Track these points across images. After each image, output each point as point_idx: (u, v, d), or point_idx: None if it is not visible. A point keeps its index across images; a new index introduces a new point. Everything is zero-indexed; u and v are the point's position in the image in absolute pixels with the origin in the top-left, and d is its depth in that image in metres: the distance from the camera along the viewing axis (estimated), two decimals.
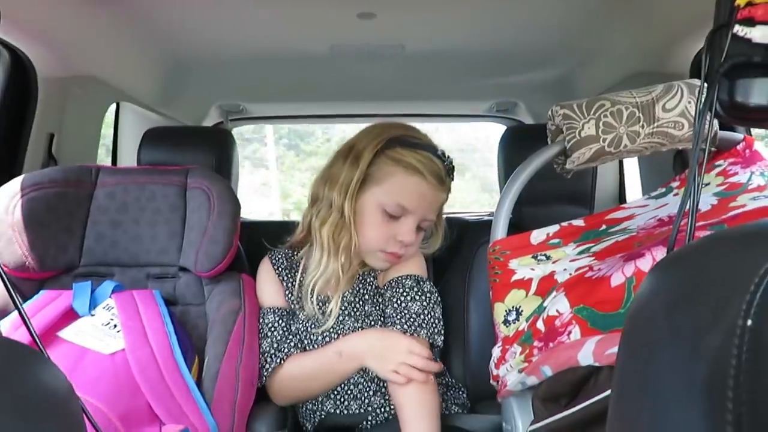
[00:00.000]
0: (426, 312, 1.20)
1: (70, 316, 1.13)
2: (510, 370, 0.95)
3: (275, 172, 7.42)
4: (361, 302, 1.24)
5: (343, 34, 1.64)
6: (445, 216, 2.19)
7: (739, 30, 0.57)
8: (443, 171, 1.20)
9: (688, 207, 0.58)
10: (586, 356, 0.77)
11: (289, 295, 1.26)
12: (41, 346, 0.59)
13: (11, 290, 0.55)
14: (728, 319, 0.35)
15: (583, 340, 0.79)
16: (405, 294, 1.21)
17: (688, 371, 0.35)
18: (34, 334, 0.57)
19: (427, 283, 1.25)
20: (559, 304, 0.86)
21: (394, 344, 1.14)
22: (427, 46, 1.76)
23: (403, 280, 1.23)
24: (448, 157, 1.23)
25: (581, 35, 1.66)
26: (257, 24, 1.56)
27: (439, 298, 1.25)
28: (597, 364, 0.76)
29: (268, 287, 1.27)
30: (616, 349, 0.73)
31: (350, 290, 1.25)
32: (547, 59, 1.88)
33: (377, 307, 1.24)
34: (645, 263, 0.81)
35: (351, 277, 1.23)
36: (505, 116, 2.45)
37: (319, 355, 1.19)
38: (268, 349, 1.19)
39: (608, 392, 0.73)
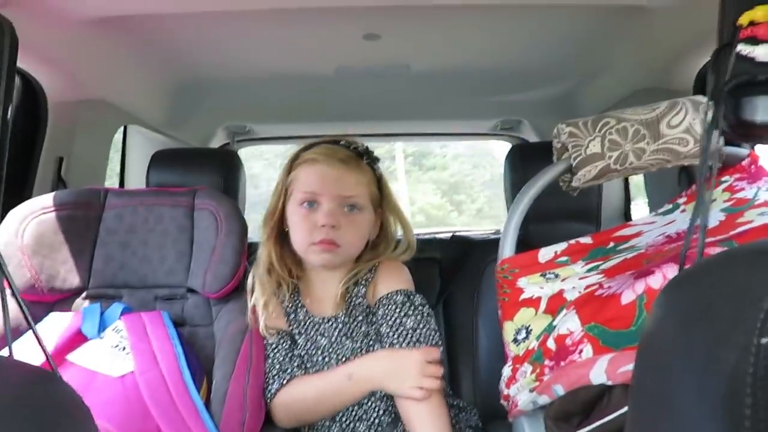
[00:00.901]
0: (421, 326, 1.19)
1: (79, 338, 1.13)
2: (521, 390, 0.95)
3: (404, 184, 8.80)
4: (355, 323, 1.24)
5: (348, 55, 1.66)
6: (450, 234, 2.21)
7: (743, 49, 0.57)
8: (345, 153, 1.24)
9: (697, 223, 0.58)
10: (598, 374, 0.76)
11: (291, 319, 1.26)
12: (54, 367, 0.59)
13: (26, 313, 0.55)
14: (743, 336, 0.35)
15: (595, 358, 0.79)
16: (398, 310, 1.20)
17: (705, 388, 0.35)
18: (48, 356, 0.57)
19: (418, 296, 1.24)
20: (570, 323, 0.86)
21: (408, 360, 1.13)
22: (431, 65, 1.77)
23: (394, 296, 1.22)
24: (355, 143, 1.29)
25: (584, 53, 1.68)
26: (263, 46, 1.58)
27: (431, 310, 1.24)
28: (610, 383, 0.76)
29: (272, 309, 1.27)
30: (628, 366, 0.73)
31: (343, 311, 1.24)
32: (551, 77, 1.89)
33: (373, 327, 1.24)
34: (655, 281, 0.81)
35: (341, 296, 1.25)
36: (510, 134, 2.46)
37: (327, 377, 1.18)
38: (271, 369, 1.19)
39: (623, 410, 0.73)
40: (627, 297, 0.82)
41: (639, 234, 1.06)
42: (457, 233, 2.42)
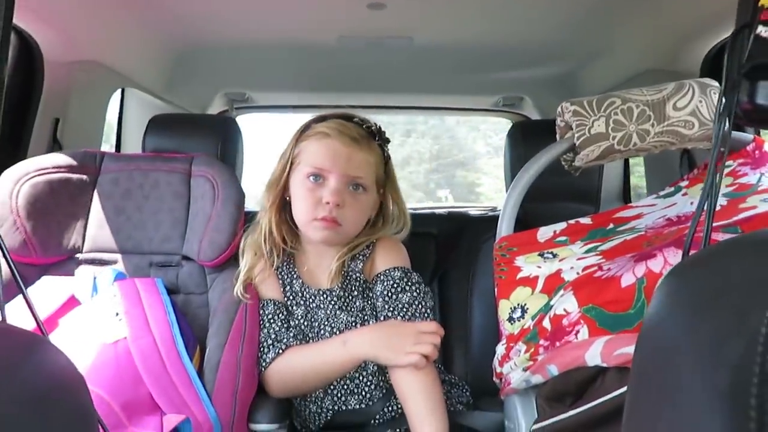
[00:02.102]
0: (417, 302, 1.19)
1: (71, 303, 1.13)
2: (514, 368, 0.95)
3: None
4: (351, 297, 1.24)
5: (351, 25, 1.63)
6: (447, 210, 2.20)
7: (763, 31, 0.56)
8: (358, 132, 1.23)
9: (703, 209, 0.57)
10: (593, 356, 0.76)
11: (286, 291, 1.26)
12: (45, 333, 0.58)
13: (16, 275, 0.54)
14: (750, 326, 0.34)
15: (591, 340, 0.79)
16: (395, 285, 1.21)
17: (710, 377, 0.35)
18: (39, 322, 0.56)
19: (415, 274, 1.25)
20: (567, 303, 0.86)
21: (403, 330, 1.13)
22: (435, 38, 1.74)
23: (391, 273, 1.23)
24: (368, 122, 1.27)
25: (590, 31, 1.65)
26: (265, 12, 1.55)
27: (427, 289, 1.24)
28: (605, 365, 0.75)
29: (267, 280, 1.27)
30: (625, 349, 0.73)
31: (338, 284, 1.24)
32: (555, 55, 1.87)
33: (369, 302, 1.24)
34: (656, 264, 0.81)
35: (336, 270, 1.24)
36: (511, 111, 2.44)
37: (322, 345, 1.19)
38: (266, 339, 1.19)
39: (616, 393, 0.73)
40: (627, 280, 0.81)
41: (639, 216, 1.06)
42: (454, 209, 2.41)
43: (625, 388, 0.72)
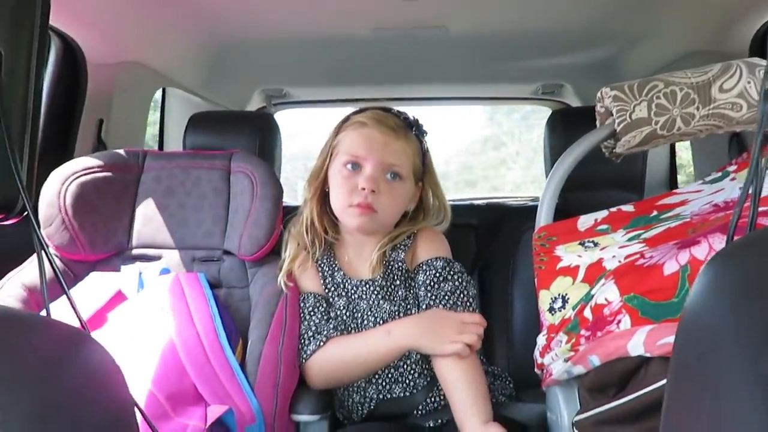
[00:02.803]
0: (459, 291, 1.20)
1: (119, 297, 1.16)
2: (555, 359, 0.94)
3: None
4: (393, 286, 1.25)
5: (386, 16, 1.62)
6: (486, 201, 2.18)
7: None
8: (395, 122, 1.25)
9: (749, 192, 0.55)
10: (636, 346, 0.74)
11: (327, 283, 1.27)
12: (86, 328, 0.60)
13: (59, 274, 0.56)
14: None
15: (633, 329, 0.77)
16: (437, 275, 1.22)
17: (755, 366, 0.33)
18: (80, 317, 0.58)
19: (457, 264, 1.25)
20: (608, 293, 0.84)
21: (447, 320, 1.13)
22: (470, 27, 1.72)
23: (434, 262, 1.24)
24: (405, 114, 1.30)
25: (631, 13, 1.60)
26: (300, 7, 1.56)
27: (470, 279, 1.25)
28: (648, 355, 0.73)
29: (307, 273, 1.28)
30: (668, 339, 0.71)
31: (381, 275, 1.25)
32: (595, 39, 1.82)
33: (411, 291, 1.25)
34: (701, 251, 0.78)
35: (378, 260, 1.26)
36: (551, 99, 2.39)
37: (365, 335, 1.20)
38: (306, 331, 1.20)
39: (660, 384, 0.71)
40: (670, 267, 0.79)
41: (684, 202, 1.03)
42: (493, 200, 2.39)
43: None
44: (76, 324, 0.92)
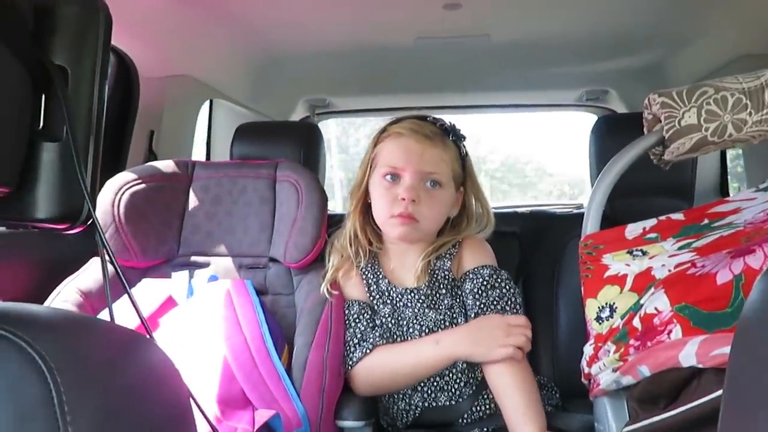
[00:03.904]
0: (506, 298, 1.20)
1: (170, 303, 1.19)
2: (603, 369, 0.92)
3: None
4: (438, 295, 1.25)
5: (428, 26, 1.63)
6: (529, 209, 2.16)
7: None
8: (431, 129, 1.25)
9: None
10: (688, 357, 0.73)
11: (372, 291, 1.28)
12: (149, 331, 0.62)
13: (122, 277, 0.58)
14: None
15: (684, 339, 0.75)
16: (484, 283, 1.21)
17: None
18: (144, 320, 0.60)
19: (504, 272, 1.25)
20: (658, 302, 0.82)
21: (494, 324, 1.13)
22: (513, 34, 1.72)
23: (480, 270, 1.24)
24: (441, 120, 1.29)
25: (678, 16, 1.57)
26: (343, 18, 1.58)
27: (516, 287, 1.24)
28: (700, 366, 0.72)
29: (352, 281, 1.29)
30: (722, 350, 0.69)
31: (426, 283, 1.26)
32: (641, 44, 1.79)
33: (457, 299, 1.25)
34: (756, 260, 0.76)
35: (423, 268, 1.26)
36: (595, 105, 2.36)
37: (414, 345, 1.20)
38: (352, 339, 1.21)
39: (713, 396, 0.69)
40: (723, 277, 0.77)
41: (737, 211, 1.00)
42: (537, 207, 2.36)
43: (721, 391, 0.69)
44: (134, 324, 0.95)
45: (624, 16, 1.59)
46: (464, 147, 1.31)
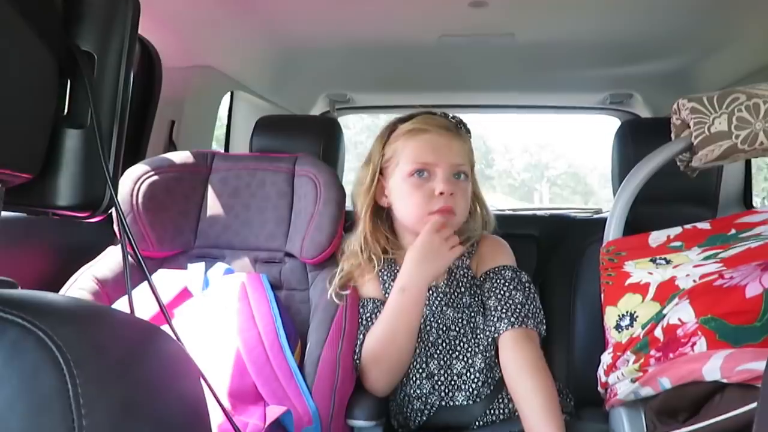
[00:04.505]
0: (529, 302, 1.19)
1: (185, 295, 1.19)
2: (621, 379, 0.91)
3: None
4: (457, 293, 1.25)
5: (452, 24, 1.62)
6: (548, 212, 2.14)
7: None
8: (448, 123, 1.25)
9: None
10: (712, 371, 0.71)
11: (386, 288, 1.27)
12: (169, 320, 0.62)
13: (144, 267, 0.58)
14: None
15: (709, 353, 0.74)
16: (506, 284, 1.21)
17: None
18: (164, 309, 0.60)
19: (524, 273, 1.25)
20: (682, 313, 0.81)
21: (428, 240, 1.16)
22: (538, 35, 1.70)
23: (502, 271, 1.23)
24: (449, 114, 1.29)
25: (709, 21, 1.54)
26: (366, 14, 1.57)
27: (536, 289, 1.24)
28: (724, 381, 0.70)
29: (368, 280, 1.28)
30: (749, 365, 0.67)
31: (444, 282, 1.25)
32: (669, 48, 1.76)
33: (476, 298, 1.25)
34: None
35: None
36: (619, 109, 2.33)
37: (387, 305, 1.19)
38: (363, 335, 1.20)
39: (737, 412, 0.67)
40: (753, 290, 0.75)
41: (766, 222, 0.98)
42: (556, 210, 2.34)
43: (747, 407, 0.67)
44: (149, 314, 0.95)
45: (652, 20, 1.56)
46: (469, 139, 1.32)
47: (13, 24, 0.43)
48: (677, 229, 1.03)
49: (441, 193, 1.18)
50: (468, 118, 1.34)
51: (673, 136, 1.04)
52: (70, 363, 0.37)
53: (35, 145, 0.48)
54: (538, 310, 1.20)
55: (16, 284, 0.47)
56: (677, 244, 1.00)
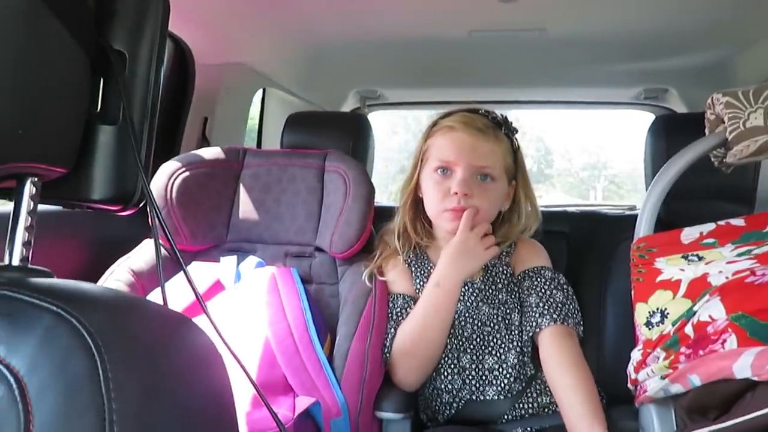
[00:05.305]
0: (569, 302, 1.20)
1: (217, 287, 1.22)
2: (651, 376, 0.90)
3: None
4: (494, 290, 1.25)
5: (483, 19, 1.61)
6: (578, 209, 2.11)
7: None
8: (483, 122, 1.24)
9: None
10: (743, 368, 0.70)
11: (418, 284, 1.27)
12: (204, 307, 0.64)
13: (180, 259, 0.60)
14: None
15: (740, 350, 0.72)
16: (547, 283, 1.22)
17: None
18: (199, 296, 0.62)
19: (561, 276, 1.26)
20: (713, 310, 0.79)
21: (465, 239, 1.18)
22: (570, 29, 1.67)
23: (541, 271, 1.24)
24: (493, 113, 1.28)
25: (747, 13, 1.50)
26: (397, 10, 1.57)
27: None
28: (755, 379, 0.69)
29: (398, 274, 1.29)
30: None
31: (480, 278, 1.26)
32: (706, 41, 1.72)
33: (512, 295, 1.25)
34: None
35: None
36: (654, 104, 2.28)
37: (420, 301, 1.21)
38: (392, 329, 1.21)
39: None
40: None
41: None
42: (586, 207, 2.31)
43: None
44: (181, 306, 0.97)
45: (689, 12, 1.53)
46: (516, 140, 1.30)
47: (49, 24, 0.45)
48: (710, 226, 1.01)
49: (455, 193, 1.19)
50: (526, 120, 1.33)
51: (707, 131, 1.02)
52: (100, 348, 0.38)
53: (70, 140, 0.50)
54: (576, 311, 1.21)
55: (51, 273, 0.49)
56: (710, 240, 0.98)
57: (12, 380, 0.37)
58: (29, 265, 0.49)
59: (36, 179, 0.49)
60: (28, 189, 0.49)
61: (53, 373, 0.37)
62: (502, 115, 1.29)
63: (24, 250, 0.49)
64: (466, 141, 1.21)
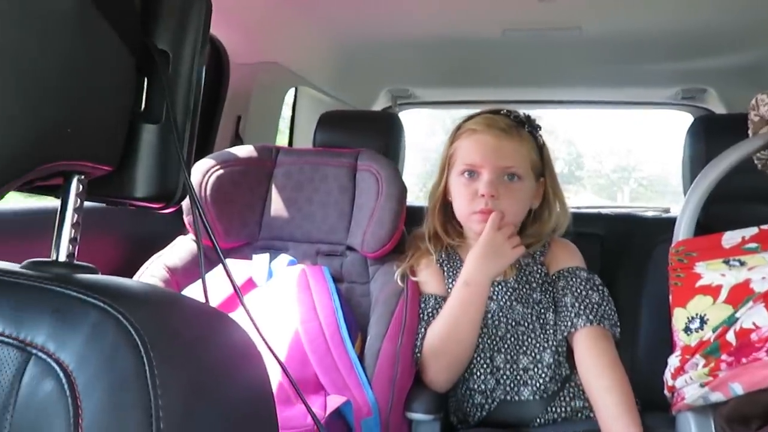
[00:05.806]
0: (605, 303, 1.20)
1: (250, 285, 1.23)
2: (690, 383, 0.88)
3: None
4: (528, 289, 1.25)
5: (517, 18, 1.59)
6: (613, 211, 2.08)
7: None
8: (505, 122, 1.25)
9: None
10: None
11: (450, 284, 1.27)
12: (244, 304, 0.64)
13: (220, 253, 0.60)
14: None
15: None
16: (582, 284, 1.21)
17: None
18: (236, 286, 0.62)
19: (597, 277, 1.25)
20: (757, 317, 0.77)
21: (492, 238, 1.17)
22: (606, 28, 1.65)
23: (577, 271, 1.24)
24: (515, 112, 1.29)
25: None
26: (429, 8, 1.57)
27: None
28: None
29: (430, 274, 1.29)
30: None
31: (514, 278, 1.26)
32: (744, 41, 1.68)
33: (547, 295, 1.25)
34: None
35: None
36: (692, 104, 2.23)
37: (450, 299, 1.21)
38: (423, 332, 1.21)
39: None
40: None
41: None
42: (622, 209, 2.28)
43: None
44: (215, 302, 0.98)
45: (728, 10, 1.49)
46: (541, 137, 1.30)
47: (98, 25, 0.46)
48: (753, 230, 0.98)
49: (482, 195, 1.19)
50: (558, 123, 1.32)
51: (750, 132, 1.00)
52: (147, 344, 0.39)
53: (116, 139, 0.51)
54: (612, 313, 1.19)
55: (96, 270, 0.50)
56: (753, 245, 0.95)
57: (62, 375, 0.38)
58: (75, 261, 0.50)
59: (82, 177, 0.50)
60: (75, 186, 0.50)
61: (101, 368, 0.38)
62: (523, 113, 1.30)
63: (70, 246, 0.50)
64: (490, 142, 1.22)
